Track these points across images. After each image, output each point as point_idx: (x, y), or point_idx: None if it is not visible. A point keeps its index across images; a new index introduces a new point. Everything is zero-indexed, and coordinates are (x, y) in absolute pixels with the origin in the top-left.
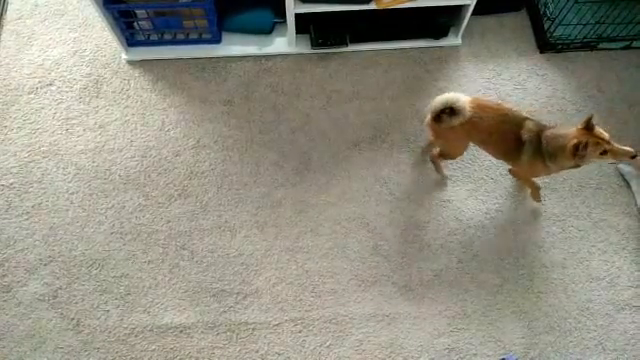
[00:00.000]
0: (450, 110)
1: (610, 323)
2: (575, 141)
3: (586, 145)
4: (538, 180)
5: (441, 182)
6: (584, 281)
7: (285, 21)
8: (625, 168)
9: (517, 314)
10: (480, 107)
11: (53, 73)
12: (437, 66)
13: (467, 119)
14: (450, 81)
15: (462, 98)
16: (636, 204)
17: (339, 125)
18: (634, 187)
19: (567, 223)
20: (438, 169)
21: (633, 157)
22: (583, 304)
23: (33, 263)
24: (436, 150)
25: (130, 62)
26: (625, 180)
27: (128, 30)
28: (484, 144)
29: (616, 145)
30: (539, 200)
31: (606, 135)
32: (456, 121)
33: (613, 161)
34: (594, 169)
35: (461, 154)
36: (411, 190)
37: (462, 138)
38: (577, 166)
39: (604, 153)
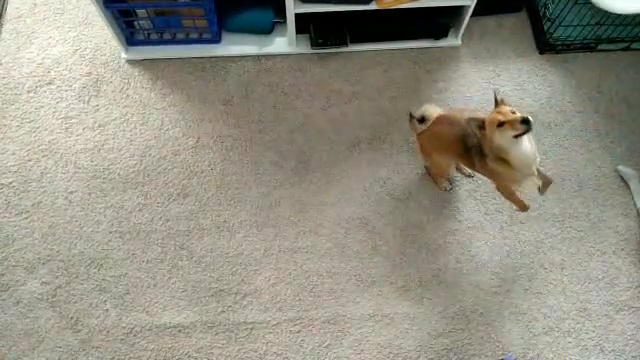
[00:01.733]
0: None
1: (609, 324)
2: (477, 123)
3: (483, 123)
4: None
5: (434, 182)
6: (583, 282)
7: (285, 21)
8: (624, 169)
9: (516, 315)
10: (444, 118)
11: (53, 72)
12: (437, 67)
13: (428, 128)
14: (449, 82)
15: (431, 109)
16: (635, 205)
17: (338, 125)
18: (633, 188)
19: (566, 224)
20: (436, 182)
21: (525, 122)
22: (582, 305)
23: (32, 262)
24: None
25: (130, 61)
26: (624, 181)
27: (128, 29)
28: (447, 154)
29: (510, 115)
30: (524, 208)
31: (506, 109)
32: (419, 128)
33: (516, 131)
34: (593, 170)
35: (443, 170)
36: (410, 190)
37: (427, 148)
38: (503, 158)
39: (501, 125)
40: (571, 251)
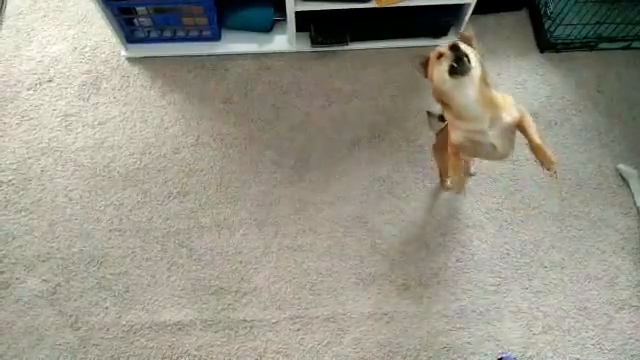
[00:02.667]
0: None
1: (608, 323)
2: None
3: (427, 60)
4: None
5: (440, 182)
6: (583, 281)
7: (285, 19)
8: (624, 168)
9: (515, 313)
10: None
11: (52, 70)
12: None
13: (445, 126)
14: None
15: None
16: (635, 204)
17: (338, 124)
18: (633, 187)
19: (566, 223)
20: (441, 181)
21: (453, 48)
22: (581, 304)
23: (31, 260)
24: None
25: (129, 59)
26: (624, 180)
27: (128, 27)
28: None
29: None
30: (460, 187)
31: (455, 42)
32: (437, 126)
33: (447, 61)
34: (593, 168)
35: (455, 167)
36: (410, 189)
37: (440, 145)
38: (446, 103)
39: (440, 57)
40: (571, 250)
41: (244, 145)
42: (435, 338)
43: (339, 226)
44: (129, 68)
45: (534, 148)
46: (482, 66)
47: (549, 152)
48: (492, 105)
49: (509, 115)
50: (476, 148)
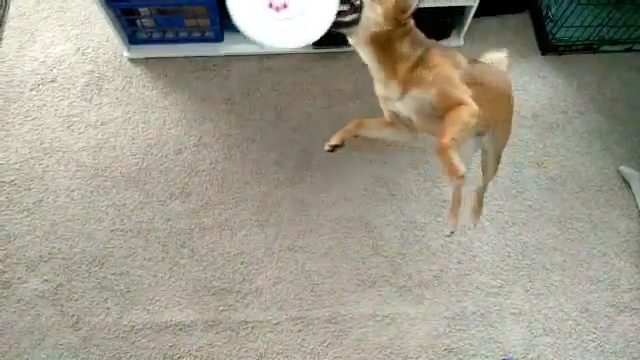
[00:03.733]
0: None
1: (610, 325)
2: None
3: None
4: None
5: (441, 183)
6: (584, 283)
7: None
8: (626, 170)
9: (516, 315)
10: None
11: (55, 70)
12: None
13: None
14: None
15: None
16: (637, 206)
17: (340, 124)
18: (635, 189)
19: (567, 225)
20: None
21: None
22: (583, 306)
23: (33, 260)
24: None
25: (132, 60)
26: (626, 182)
27: (130, 28)
28: None
29: None
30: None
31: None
32: None
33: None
34: (595, 171)
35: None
36: (411, 190)
37: None
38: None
39: None
40: (572, 252)
41: (246, 146)
42: (436, 340)
43: (340, 227)
44: (131, 69)
45: (436, 147)
46: (403, 27)
47: (455, 162)
48: (405, 75)
49: (421, 92)
50: (402, 120)
